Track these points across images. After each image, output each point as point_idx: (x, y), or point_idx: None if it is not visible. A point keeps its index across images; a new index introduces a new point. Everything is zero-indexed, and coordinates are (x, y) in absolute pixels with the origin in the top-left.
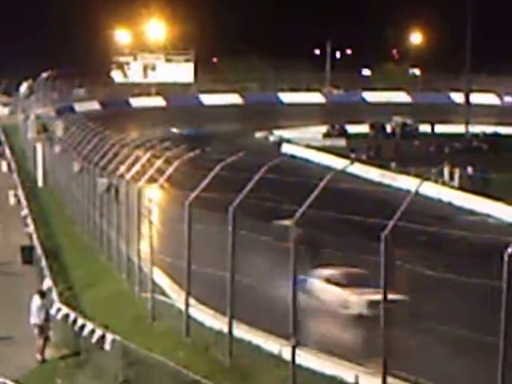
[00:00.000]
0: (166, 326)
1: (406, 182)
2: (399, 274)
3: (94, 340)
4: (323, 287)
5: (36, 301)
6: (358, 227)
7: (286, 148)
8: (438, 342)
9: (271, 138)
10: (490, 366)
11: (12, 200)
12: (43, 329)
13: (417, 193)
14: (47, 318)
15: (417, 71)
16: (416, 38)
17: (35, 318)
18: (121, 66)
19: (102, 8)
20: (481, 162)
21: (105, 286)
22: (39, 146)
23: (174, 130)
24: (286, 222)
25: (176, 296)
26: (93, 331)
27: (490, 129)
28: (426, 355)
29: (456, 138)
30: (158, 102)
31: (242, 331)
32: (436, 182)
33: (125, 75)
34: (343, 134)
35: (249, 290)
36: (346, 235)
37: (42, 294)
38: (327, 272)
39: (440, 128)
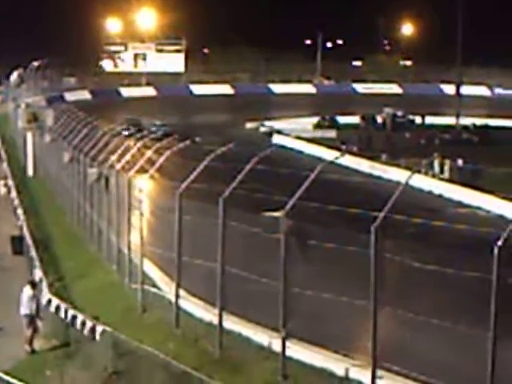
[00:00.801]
0: (156, 318)
1: (396, 174)
2: (388, 266)
3: (84, 331)
4: None
5: (27, 291)
6: (349, 219)
7: (277, 139)
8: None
9: (262, 129)
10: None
11: (2, 190)
12: (33, 319)
13: (407, 185)
14: (38, 308)
15: (408, 62)
16: (407, 29)
17: (25, 309)
18: (111, 56)
19: None
20: (471, 154)
21: (95, 277)
22: (29, 135)
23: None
24: (276, 214)
25: (166, 287)
26: (83, 322)
27: (480, 121)
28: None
29: (446, 129)
30: (149, 91)
31: (232, 323)
32: (426, 174)
33: (115, 65)
34: (334, 125)
35: (238, 282)
36: (336, 227)
37: (33, 285)
38: None
39: (431, 120)
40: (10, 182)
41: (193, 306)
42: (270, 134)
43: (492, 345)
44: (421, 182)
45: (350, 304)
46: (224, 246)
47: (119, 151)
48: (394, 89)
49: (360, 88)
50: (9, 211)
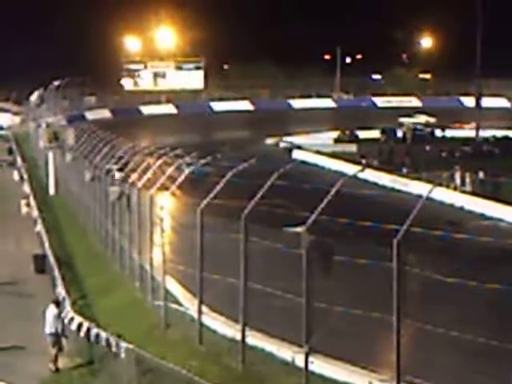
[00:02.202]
0: (179, 334)
1: (417, 187)
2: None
3: (107, 349)
4: None
5: (51, 310)
6: (370, 233)
7: (297, 154)
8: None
9: (282, 145)
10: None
11: (24, 209)
12: (58, 338)
13: (428, 198)
14: (63, 327)
15: (427, 75)
16: (426, 42)
17: (50, 328)
18: (131, 74)
19: (113, 15)
20: (492, 166)
21: (118, 294)
22: (50, 155)
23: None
24: (298, 229)
25: (189, 304)
26: (106, 340)
27: (500, 133)
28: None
29: (467, 142)
30: (169, 109)
31: (254, 339)
32: (447, 186)
33: (135, 83)
34: (354, 139)
35: (262, 298)
36: (358, 242)
37: (57, 304)
38: None
39: (451, 132)
40: (32, 201)
41: (215, 323)
42: (290, 149)
43: None
44: (442, 194)
45: (373, 318)
46: (246, 262)
47: (140, 169)
48: (413, 102)
49: (379, 102)
50: (31, 230)
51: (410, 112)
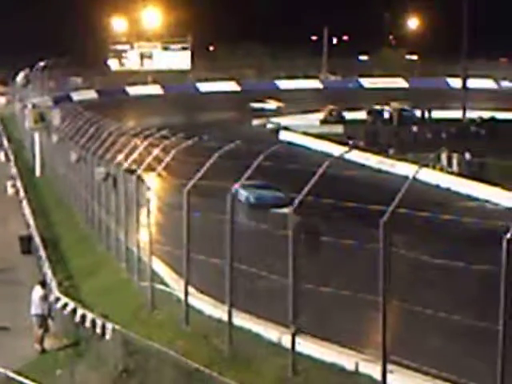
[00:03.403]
0: (166, 315)
1: (404, 168)
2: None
3: (93, 329)
4: None
5: (37, 291)
6: (357, 214)
7: (284, 135)
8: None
9: (269, 126)
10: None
11: (10, 190)
12: (44, 319)
13: (415, 179)
14: (49, 308)
15: (414, 57)
16: (413, 23)
17: (36, 309)
18: (117, 55)
19: None
20: (478, 147)
21: (104, 275)
22: (37, 136)
23: None
24: (285, 210)
25: (175, 285)
26: (93, 321)
27: (487, 114)
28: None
29: (453, 123)
30: (155, 90)
31: (241, 319)
32: (434, 167)
33: (121, 64)
34: (341, 120)
35: (248, 279)
36: (345, 222)
37: (44, 285)
38: None
39: (437, 113)
40: (18, 183)
41: (202, 303)
42: (276, 130)
43: (503, 337)
44: (428, 175)
45: (359, 299)
46: (232, 243)
47: (126, 150)
48: (400, 83)
49: (366, 83)
50: (17, 211)
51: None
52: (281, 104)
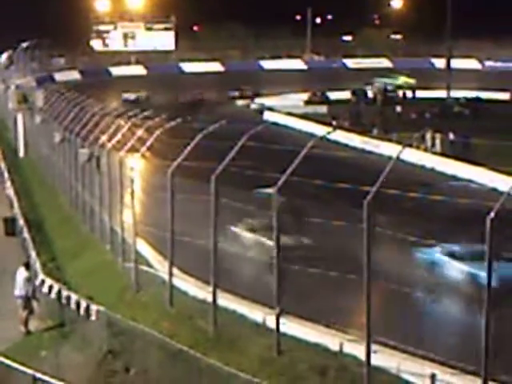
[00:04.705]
0: (150, 296)
1: (388, 149)
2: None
3: (78, 311)
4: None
5: (21, 273)
6: (341, 194)
7: (268, 115)
8: None
9: (253, 106)
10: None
11: None
12: (28, 301)
13: (399, 159)
14: (34, 289)
15: (398, 36)
16: (397, 2)
17: (20, 290)
18: (100, 35)
19: None
20: (462, 127)
21: (88, 257)
22: (20, 117)
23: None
24: (269, 190)
25: (160, 266)
26: (77, 302)
27: (471, 94)
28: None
29: (437, 103)
30: (139, 70)
31: (226, 300)
32: (418, 147)
33: (105, 44)
34: (325, 100)
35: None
36: (329, 202)
37: (28, 266)
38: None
39: (421, 93)
40: (2, 164)
41: (187, 285)
42: (260, 110)
43: (486, 319)
44: (412, 156)
45: (345, 279)
46: (216, 224)
47: (110, 131)
48: (384, 63)
49: (350, 63)
50: (0, 193)
51: (385, 73)
52: (410, 79)
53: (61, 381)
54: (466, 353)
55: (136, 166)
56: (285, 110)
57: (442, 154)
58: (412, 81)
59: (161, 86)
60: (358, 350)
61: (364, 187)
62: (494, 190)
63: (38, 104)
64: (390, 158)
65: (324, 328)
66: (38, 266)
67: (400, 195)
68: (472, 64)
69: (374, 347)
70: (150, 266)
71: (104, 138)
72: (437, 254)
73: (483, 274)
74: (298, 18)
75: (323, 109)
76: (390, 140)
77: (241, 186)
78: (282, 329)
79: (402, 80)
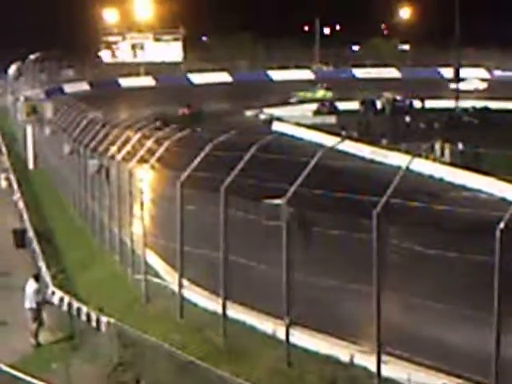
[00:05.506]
0: (160, 308)
1: (397, 159)
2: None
3: (88, 323)
4: None
5: (31, 285)
6: (350, 205)
7: (277, 126)
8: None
9: (261, 116)
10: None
11: (3, 183)
12: (38, 313)
13: (408, 169)
14: (42, 301)
15: (406, 46)
16: (405, 12)
17: (30, 302)
18: (109, 46)
19: None
20: (471, 137)
21: (98, 268)
22: (29, 128)
23: None
24: (278, 201)
25: (169, 278)
26: (87, 314)
27: (479, 103)
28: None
29: (446, 113)
30: (148, 81)
31: (236, 312)
32: (427, 158)
33: (114, 55)
34: (333, 111)
35: (243, 271)
36: (338, 213)
37: (37, 278)
38: None
39: (430, 103)
40: (11, 175)
41: (196, 296)
42: (269, 121)
43: (496, 327)
44: (422, 166)
45: (353, 290)
46: (226, 235)
47: (119, 142)
48: (392, 73)
49: (359, 73)
50: (10, 204)
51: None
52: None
53: None
54: None
55: (145, 177)
56: (293, 120)
57: (451, 164)
58: (330, 93)
59: (170, 96)
60: (368, 362)
61: (373, 197)
62: (504, 199)
63: (47, 115)
64: (399, 168)
65: (334, 339)
66: (48, 277)
67: (408, 205)
68: (480, 73)
69: (384, 358)
70: (159, 277)
71: (113, 149)
72: None
73: None
74: (307, 28)
75: (332, 119)
76: (398, 150)
77: (250, 196)
78: (292, 340)
79: (320, 93)
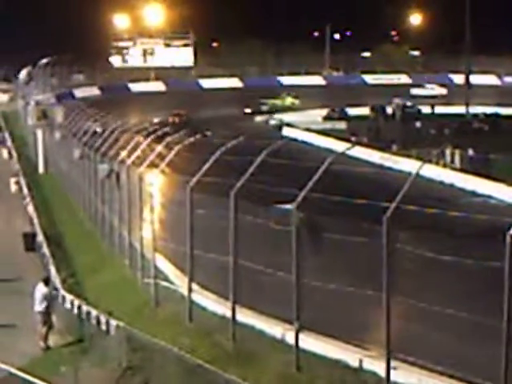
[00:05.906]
0: (170, 312)
1: (407, 165)
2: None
3: (98, 326)
4: None
5: (40, 288)
6: (360, 210)
7: (287, 131)
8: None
9: (272, 122)
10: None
11: (13, 187)
12: (48, 316)
13: (418, 175)
14: (51, 305)
15: (416, 52)
16: (415, 18)
17: (39, 306)
18: (120, 51)
19: None
20: (482, 143)
21: (108, 272)
22: (39, 133)
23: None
24: (288, 206)
25: (179, 282)
26: (97, 317)
27: (490, 110)
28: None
29: (456, 119)
30: (158, 86)
31: (245, 316)
32: (437, 163)
33: (124, 60)
34: (343, 116)
35: (252, 275)
36: (348, 218)
37: (47, 282)
38: None
39: (440, 109)
40: (22, 180)
41: (206, 300)
42: (279, 126)
43: (506, 335)
44: (432, 171)
45: (363, 295)
46: (236, 239)
47: (129, 146)
48: (403, 79)
49: (369, 79)
50: (20, 208)
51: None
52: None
53: None
54: None
55: (155, 182)
56: (303, 125)
57: (462, 170)
58: (297, 101)
59: (180, 102)
60: (377, 367)
61: (383, 203)
62: None
63: (58, 120)
64: (409, 173)
65: (343, 344)
66: (57, 281)
67: (418, 211)
68: (491, 80)
69: (393, 363)
70: (169, 281)
71: (123, 153)
72: None
73: None
74: (317, 34)
75: (342, 125)
76: (409, 156)
77: (260, 201)
78: (301, 344)
79: (288, 101)
